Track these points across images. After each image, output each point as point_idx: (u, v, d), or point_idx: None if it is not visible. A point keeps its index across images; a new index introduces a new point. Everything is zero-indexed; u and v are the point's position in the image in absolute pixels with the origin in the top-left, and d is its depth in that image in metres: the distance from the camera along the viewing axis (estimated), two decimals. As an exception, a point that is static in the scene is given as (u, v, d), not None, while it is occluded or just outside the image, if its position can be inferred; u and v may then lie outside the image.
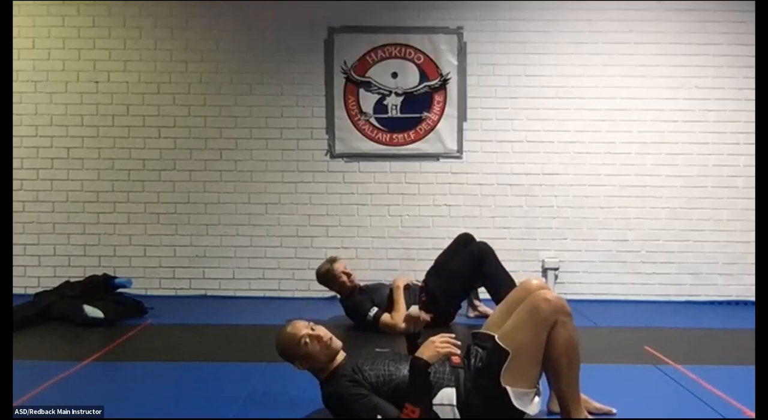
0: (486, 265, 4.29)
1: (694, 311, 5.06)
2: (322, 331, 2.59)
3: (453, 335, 2.49)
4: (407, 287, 4.36)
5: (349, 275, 4.33)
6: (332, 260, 4.41)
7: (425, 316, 2.88)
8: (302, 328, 2.58)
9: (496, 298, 4.27)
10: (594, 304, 5.11)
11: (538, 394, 2.51)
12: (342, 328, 4.34)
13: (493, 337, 2.50)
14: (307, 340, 2.53)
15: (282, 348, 2.61)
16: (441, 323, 4.15)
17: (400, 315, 4.06)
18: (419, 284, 4.44)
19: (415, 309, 2.89)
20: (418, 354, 2.41)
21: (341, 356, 2.60)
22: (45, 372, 3.21)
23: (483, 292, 4.56)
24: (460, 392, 2.47)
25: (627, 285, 5.33)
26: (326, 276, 4.37)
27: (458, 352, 2.47)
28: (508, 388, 2.41)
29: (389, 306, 4.24)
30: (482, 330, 2.69)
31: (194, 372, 3.35)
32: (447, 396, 2.46)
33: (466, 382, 2.49)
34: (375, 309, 4.16)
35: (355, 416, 2.37)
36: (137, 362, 3.56)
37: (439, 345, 2.41)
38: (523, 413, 2.44)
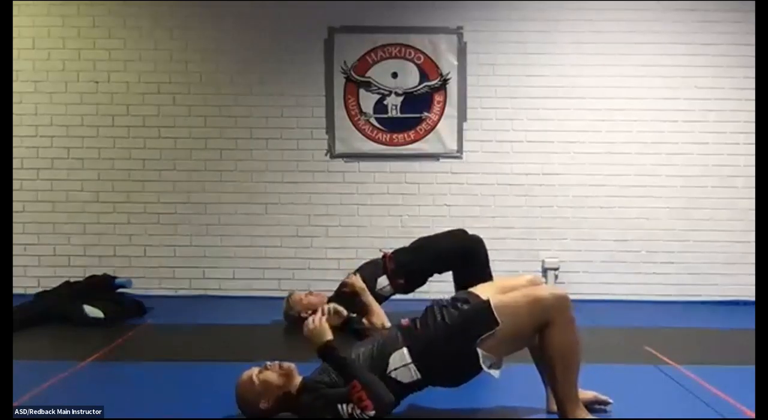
0: (475, 263, 4.28)
1: (694, 311, 5.06)
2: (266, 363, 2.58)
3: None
4: (366, 265, 4.38)
5: (308, 307, 4.19)
6: (290, 306, 4.31)
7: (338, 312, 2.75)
8: (246, 372, 2.56)
9: None
10: (594, 304, 5.11)
11: (499, 365, 2.51)
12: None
13: (485, 299, 2.50)
14: (257, 373, 2.52)
15: (241, 397, 2.53)
16: (415, 286, 4.40)
17: (377, 317, 4.02)
18: (382, 254, 4.43)
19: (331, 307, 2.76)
20: (313, 347, 2.45)
21: (299, 380, 2.54)
22: (45, 372, 3.21)
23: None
24: (415, 346, 2.48)
25: (627, 285, 5.33)
26: (298, 316, 4.16)
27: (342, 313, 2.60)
28: (479, 351, 2.42)
29: (362, 309, 4.15)
30: (474, 291, 2.68)
31: (194, 372, 3.35)
32: (400, 357, 2.47)
33: (427, 332, 2.49)
34: (354, 316, 4.11)
35: (325, 416, 2.37)
36: (137, 362, 3.56)
37: (317, 324, 2.47)
38: (481, 370, 2.45)
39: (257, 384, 2.49)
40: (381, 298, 4.16)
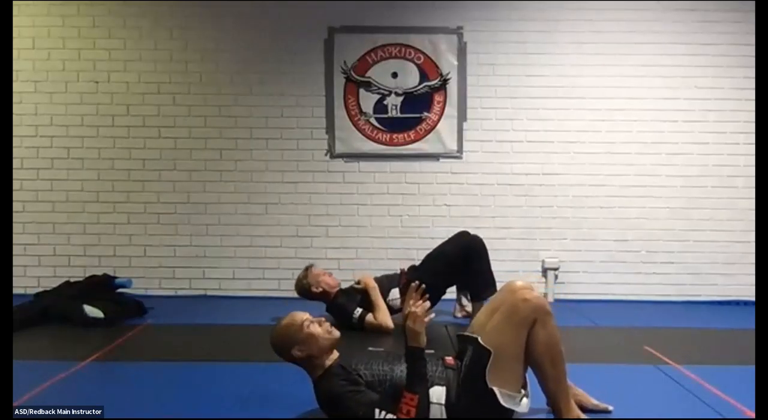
0: (476, 261, 4.29)
1: (694, 311, 5.06)
2: (322, 319, 2.62)
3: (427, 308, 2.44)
4: (384, 277, 4.42)
5: (320, 285, 4.32)
6: (305, 275, 4.39)
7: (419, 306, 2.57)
8: (302, 314, 2.60)
9: (475, 296, 4.30)
10: (594, 304, 5.12)
11: (526, 396, 2.51)
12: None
13: (477, 338, 2.51)
14: (308, 323, 2.54)
15: (281, 334, 2.56)
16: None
17: (382, 314, 4.17)
18: (399, 271, 4.46)
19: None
20: (410, 343, 2.39)
21: (335, 355, 2.58)
22: (45, 372, 3.21)
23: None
24: (450, 392, 2.47)
25: (627, 285, 5.33)
26: (306, 287, 4.34)
27: (430, 314, 2.44)
28: (495, 389, 2.42)
29: (369, 307, 4.24)
30: (467, 332, 2.69)
31: (194, 372, 3.35)
32: (436, 394, 2.46)
33: (457, 383, 2.49)
34: (359, 310, 4.20)
35: (351, 413, 2.35)
36: (137, 362, 3.56)
37: (417, 325, 2.39)
38: (512, 412, 2.44)
39: (304, 330, 2.51)
40: (391, 310, 4.24)
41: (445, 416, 2.45)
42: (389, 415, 2.31)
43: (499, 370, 2.43)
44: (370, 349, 2.66)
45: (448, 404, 2.45)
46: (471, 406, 2.45)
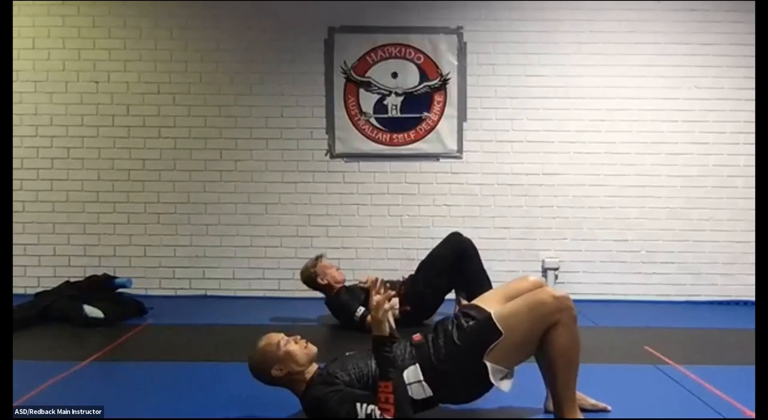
0: (467, 263, 4.29)
1: (694, 311, 5.06)
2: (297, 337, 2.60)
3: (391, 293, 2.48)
4: (386, 283, 4.39)
5: (325, 276, 4.34)
6: (314, 264, 4.40)
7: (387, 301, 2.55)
8: (277, 334, 2.58)
9: (472, 298, 4.28)
10: (594, 304, 5.11)
11: (510, 376, 2.52)
12: (330, 327, 4.35)
13: (488, 312, 2.51)
14: (285, 342, 2.53)
15: (259, 356, 2.54)
16: (422, 316, 4.29)
17: None
18: (401, 279, 4.46)
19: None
20: (374, 332, 2.40)
21: (314, 368, 2.57)
22: (45, 372, 3.21)
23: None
24: (426, 364, 2.48)
25: (627, 285, 5.33)
26: (312, 276, 4.36)
27: (395, 305, 2.43)
28: (488, 364, 2.43)
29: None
30: (476, 302, 2.69)
31: (194, 372, 3.35)
32: (412, 374, 2.47)
33: (437, 351, 2.50)
34: (362, 309, 4.17)
35: (334, 413, 2.35)
36: (137, 362, 3.56)
37: (380, 314, 2.39)
38: (492, 385, 2.47)
39: (281, 351, 2.50)
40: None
41: (430, 392, 2.46)
42: (371, 407, 2.30)
43: (501, 351, 2.44)
44: (347, 353, 2.66)
45: (427, 375, 2.46)
46: (455, 372, 2.46)
